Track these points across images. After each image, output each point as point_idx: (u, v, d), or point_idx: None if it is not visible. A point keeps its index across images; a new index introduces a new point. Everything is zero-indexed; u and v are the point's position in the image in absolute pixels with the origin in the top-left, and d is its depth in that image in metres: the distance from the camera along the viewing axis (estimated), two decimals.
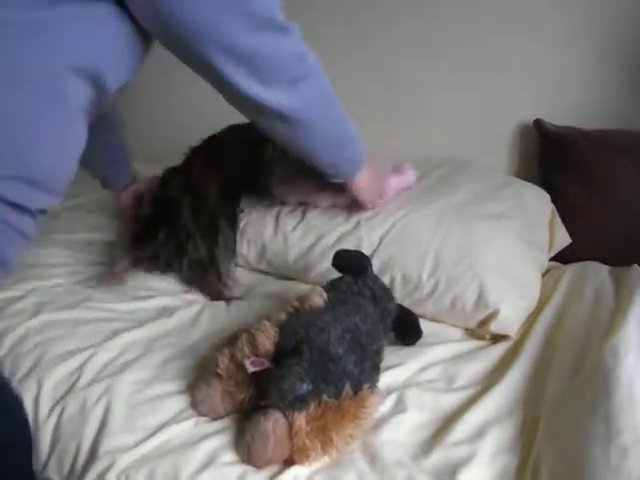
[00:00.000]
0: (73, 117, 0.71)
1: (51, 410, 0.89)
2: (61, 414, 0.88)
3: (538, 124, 1.54)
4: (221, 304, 1.19)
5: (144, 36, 0.73)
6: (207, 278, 1.24)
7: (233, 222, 1.31)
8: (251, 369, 0.79)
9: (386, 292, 1.04)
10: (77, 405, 0.88)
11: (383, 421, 0.85)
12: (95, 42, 0.68)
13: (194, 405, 0.86)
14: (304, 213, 1.30)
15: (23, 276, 1.18)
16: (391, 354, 0.99)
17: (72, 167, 0.76)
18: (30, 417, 0.88)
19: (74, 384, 0.91)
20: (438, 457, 0.79)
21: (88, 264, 1.28)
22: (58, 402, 0.89)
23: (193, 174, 1.29)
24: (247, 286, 1.27)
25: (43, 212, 0.75)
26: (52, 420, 0.88)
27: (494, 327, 1.09)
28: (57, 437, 0.87)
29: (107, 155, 1.25)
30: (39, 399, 0.90)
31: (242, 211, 1.34)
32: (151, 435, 0.82)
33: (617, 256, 1.30)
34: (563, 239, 1.41)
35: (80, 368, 0.94)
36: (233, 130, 1.35)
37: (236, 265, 1.33)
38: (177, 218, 1.24)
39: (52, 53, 0.65)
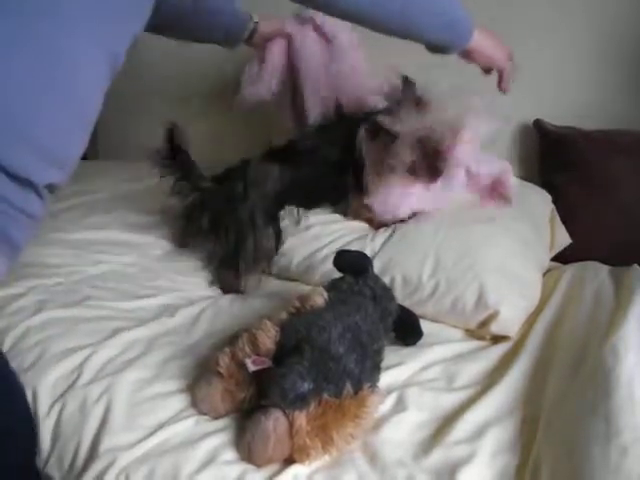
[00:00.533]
0: (83, 80, 0.68)
1: (51, 407, 0.88)
2: (61, 412, 0.88)
3: (538, 124, 1.55)
4: (222, 303, 1.19)
5: None
6: (226, 273, 1.27)
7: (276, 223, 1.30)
8: (252, 368, 0.79)
9: (387, 292, 1.04)
10: (77, 403, 0.88)
11: (383, 420, 0.85)
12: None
13: (194, 404, 0.86)
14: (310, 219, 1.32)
15: (24, 274, 1.18)
16: (391, 354, 0.99)
17: (81, 137, 0.72)
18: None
19: (74, 382, 0.91)
20: (438, 456, 0.79)
21: (89, 264, 1.28)
22: (58, 400, 0.89)
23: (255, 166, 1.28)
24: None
25: (51, 190, 0.71)
26: (52, 417, 0.88)
27: (494, 328, 1.09)
28: (57, 434, 0.86)
29: (209, 16, 1.22)
30: (39, 396, 0.90)
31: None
32: (151, 434, 0.82)
33: (617, 256, 1.30)
34: (563, 239, 1.41)
35: (80, 366, 0.94)
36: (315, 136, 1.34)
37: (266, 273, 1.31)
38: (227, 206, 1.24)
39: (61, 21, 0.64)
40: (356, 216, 1.33)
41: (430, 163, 1.18)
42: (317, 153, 1.29)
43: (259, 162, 1.29)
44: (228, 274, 1.27)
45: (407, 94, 1.24)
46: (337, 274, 1.06)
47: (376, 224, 1.30)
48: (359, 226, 1.31)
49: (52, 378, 0.92)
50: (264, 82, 1.40)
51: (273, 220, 1.28)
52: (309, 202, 1.33)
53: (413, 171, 1.20)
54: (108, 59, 0.70)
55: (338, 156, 1.28)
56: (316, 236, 1.28)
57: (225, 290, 1.26)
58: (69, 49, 0.65)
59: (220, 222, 1.25)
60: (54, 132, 0.67)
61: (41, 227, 1.38)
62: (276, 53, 1.39)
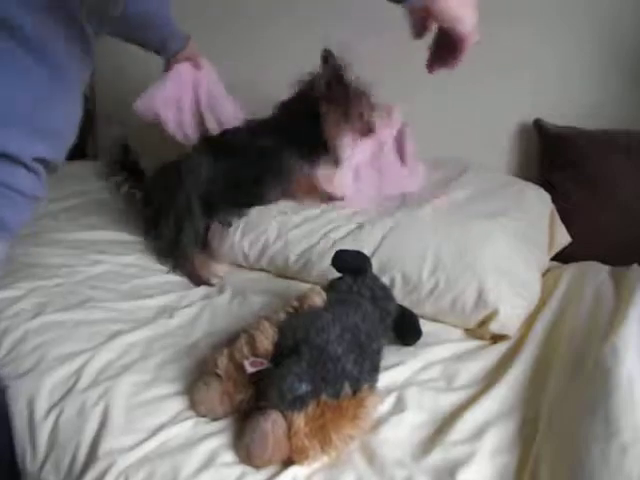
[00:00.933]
0: (56, 51, 0.64)
1: (48, 413, 0.88)
2: (58, 417, 0.87)
3: (538, 124, 1.55)
4: (221, 303, 1.19)
5: None
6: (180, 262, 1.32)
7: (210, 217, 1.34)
8: (250, 370, 0.79)
9: (386, 292, 1.04)
10: (75, 408, 0.87)
11: (383, 421, 0.85)
12: None
13: (193, 406, 0.86)
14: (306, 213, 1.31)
15: (24, 275, 1.18)
16: (391, 354, 0.99)
17: (65, 108, 0.68)
18: (26, 419, 0.88)
19: (72, 387, 0.91)
20: (438, 456, 0.79)
21: (89, 264, 1.28)
22: (56, 405, 0.89)
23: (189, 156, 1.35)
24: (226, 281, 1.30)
25: (46, 165, 0.66)
26: (49, 423, 0.87)
27: (494, 327, 1.08)
28: (54, 439, 0.86)
29: (148, 22, 1.26)
30: (36, 402, 0.89)
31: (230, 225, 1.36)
32: (150, 436, 0.82)
33: (617, 256, 1.30)
34: (563, 239, 1.41)
35: (78, 371, 0.93)
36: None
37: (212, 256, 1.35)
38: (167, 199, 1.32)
39: None
40: (307, 195, 1.36)
41: (365, 119, 1.31)
42: (250, 145, 1.33)
43: (193, 152, 1.35)
44: (186, 263, 1.31)
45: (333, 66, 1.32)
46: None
47: (326, 198, 1.35)
48: (347, 217, 1.30)
49: (50, 384, 0.91)
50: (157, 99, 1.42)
51: (209, 213, 1.32)
52: (249, 194, 1.36)
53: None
54: (78, 33, 0.67)
55: (274, 142, 1.33)
56: (309, 232, 1.28)
57: (194, 282, 1.29)
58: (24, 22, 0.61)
59: (161, 212, 1.31)
60: (32, 103, 0.63)
61: (41, 227, 1.41)
62: (182, 74, 1.41)
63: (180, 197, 1.30)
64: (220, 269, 1.31)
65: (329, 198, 1.35)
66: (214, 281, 1.28)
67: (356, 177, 1.37)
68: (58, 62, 0.65)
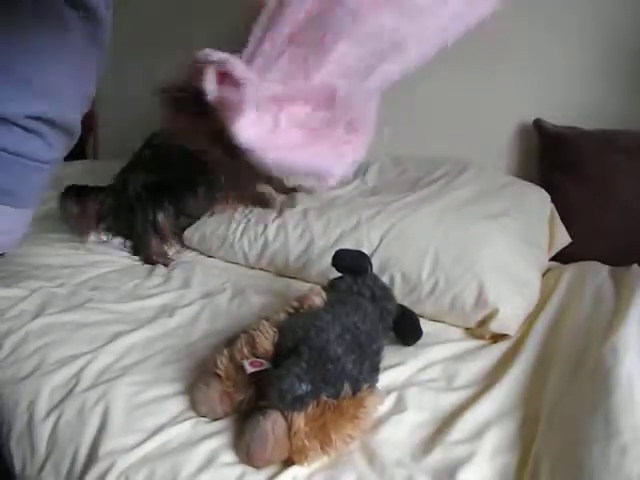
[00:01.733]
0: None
1: (47, 415, 0.88)
2: (58, 419, 0.87)
3: (538, 124, 1.54)
4: (221, 302, 1.19)
5: None
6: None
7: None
8: (250, 370, 0.79)
9: (386, 292, 1.04)
10: (75, 409, 0.88)
11: (383, 420, 0.85)
12: None
13: (193, 405, 0.86)
14: (305, 213, 1.31)
15: (27, 276, 1.18)
16: (391, 354, 0.98)
17: (68, 59, 0.59)
18: (25, 422, 0.88)
19: (72, 389, 0.91)
20: (438, 456, 0.79)
21: (91, 264, 1.28)
22: (55, 407, 0.88)
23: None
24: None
25: (49, 123, 0.58)
26: (48, 425, 0.87)
27: (494, 326, 1.08)
28: (54, 441, 0.85)
29: None
30: (36, 404, 0.89)
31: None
32: (151, 436, 0.82)
33: (617, 256, 1.30)
34: (563, 239, 1.41)
35: (79, 373, 0.93)
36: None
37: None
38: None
39: None
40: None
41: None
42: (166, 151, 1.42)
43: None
44: (144, 247, 1.38)
45: None
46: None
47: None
48: (341, 218, 1.31)
49: (50, 386, 0.91)
50: None
51: (157, 204, 1.40)
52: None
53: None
54: None
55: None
56: (303, 231, 1.28)
57: (147, 260, 1.38)
58: None
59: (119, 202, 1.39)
60: (19, 57, 0.55)
61: (43, 227, 1.41)
62: None
63: (129, 185, 1.38)
64: (171, 250, 1.41)
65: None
66: (167, 262, 1.37)
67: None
68: (58, 14, 0.56)
